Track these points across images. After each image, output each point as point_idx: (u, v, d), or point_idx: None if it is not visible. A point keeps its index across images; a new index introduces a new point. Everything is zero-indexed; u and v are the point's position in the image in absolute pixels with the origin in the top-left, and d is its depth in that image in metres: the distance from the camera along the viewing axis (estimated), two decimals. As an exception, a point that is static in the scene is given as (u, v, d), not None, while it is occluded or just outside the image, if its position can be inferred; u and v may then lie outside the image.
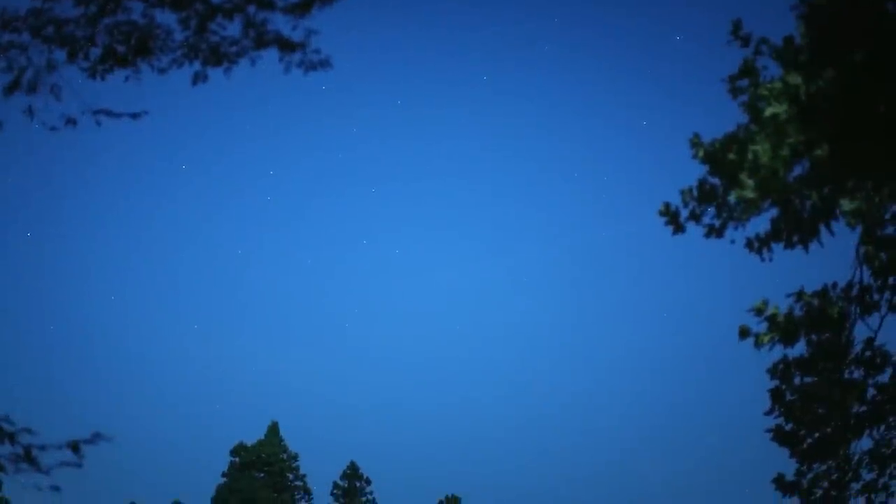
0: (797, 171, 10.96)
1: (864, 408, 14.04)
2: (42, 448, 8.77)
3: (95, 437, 8.85)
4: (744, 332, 12.54)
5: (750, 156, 10.46)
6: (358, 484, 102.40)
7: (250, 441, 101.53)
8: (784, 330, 12.58)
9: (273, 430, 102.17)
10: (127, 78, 10.02)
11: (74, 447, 8.80)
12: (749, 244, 12.02)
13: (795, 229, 11.76)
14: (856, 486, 14.75)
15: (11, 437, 8.76)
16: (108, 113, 9.83)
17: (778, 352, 13.14)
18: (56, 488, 8.98)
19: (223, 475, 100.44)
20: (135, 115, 9.97)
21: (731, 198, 11.01)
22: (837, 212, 11.40)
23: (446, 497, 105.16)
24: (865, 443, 14.47)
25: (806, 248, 12.10)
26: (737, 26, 10.71)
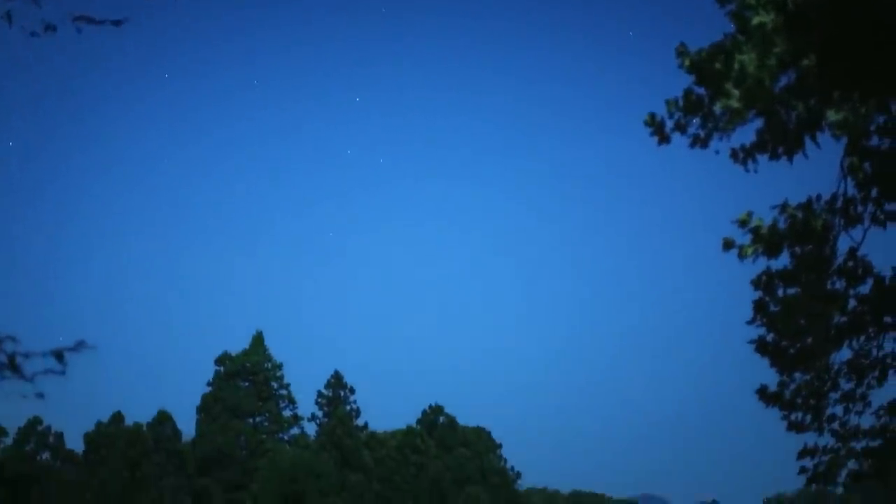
0: (783, 81, 10.89)
1: (844, 319, 14.10)
2: (26, 356, 8.73)
3: (79, 346, 8.82)
4: (728, 244, 12.57)
5: (736, 65, 10.38)
6: (342, 393, 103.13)
7: (235, 351, 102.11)
8: (768, 242, 12.61)
9: (258, 339, 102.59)
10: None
11: (58, 356, 8.76)
12: (734, 155, 11.99)
13: (781, 140, 11.72)
14: (834, 395, 14.86)
15: (-5, 345, 8.73)
16: (89, 20, 9.66)
17: (762, 263, 13.19)
18: (40, 395, 8.96)
19: (208, 384, 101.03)
20: (116, 23, 9.81)
21: (717, 108, 10.96)
22: (823, 123, 11.35)
23: (430, 406, 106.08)
24: (845, 353, 14.56)
25: (791, 159, 12.07)
26: (725, -67, 10.56)
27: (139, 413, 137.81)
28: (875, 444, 15.09)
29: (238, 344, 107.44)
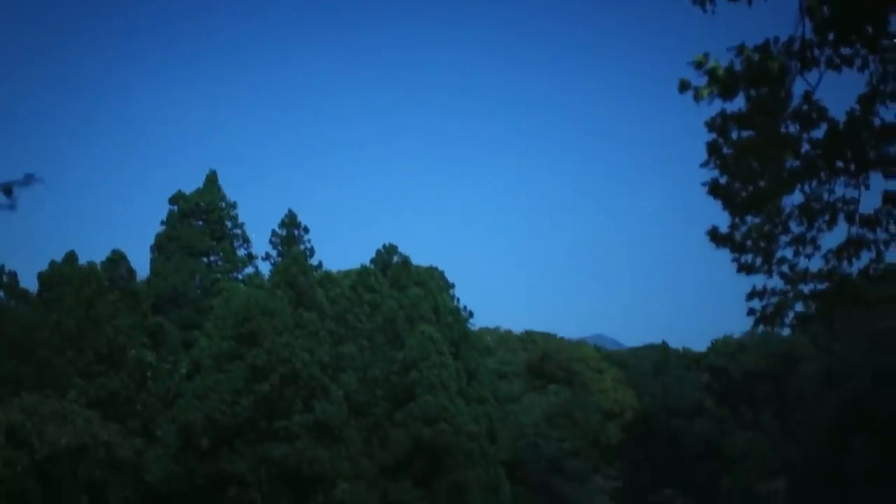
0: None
1: (797, 162, 14.16)
2: (-28, 191, 8.55)
3: (28, 179, 8.65)
4: (684, 86, 12.52)
5: None
6: (296, 232, 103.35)
7: (189, 190, 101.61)
8: (724, 83, 12.57)
9: (211, 178, 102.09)
10: None
11: (7, 190, 8.60)
12: (693, -5, 11.86)
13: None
14: (785, 238, 15.02)
15: (-59, 181, 8.57)
16: None
17: (717, 105, 13.17)
18: (-10, 233, 8.82)
19: (162, 223, 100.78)
20: None
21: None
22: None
23: (384, 246, 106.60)
24: (796, 197, 14.66)
25: (749, 0, 11.96)
26: None
27: (93, 253, 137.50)
28: (822, 287, 15.33)
29: (191, 183, 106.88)
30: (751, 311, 15.66)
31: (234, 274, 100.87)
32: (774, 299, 15.50)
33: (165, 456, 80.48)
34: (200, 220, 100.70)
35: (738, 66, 12.69)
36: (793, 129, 13.77)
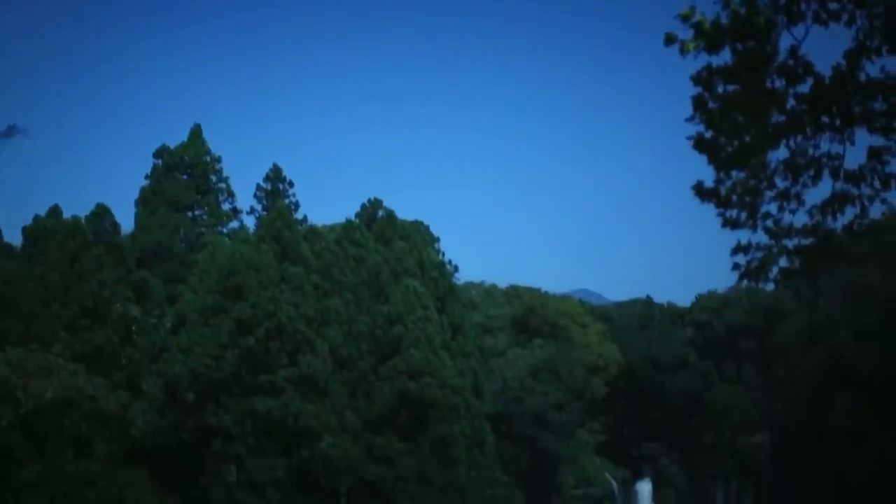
0: None
1: (783, 117, 14.13)
2: (-47, 144, 8.45)
3: (11, 131, 8.54)
4: (670, 39, 12.46)
5: None
6: (281, 186, 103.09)
7: (173, 144, 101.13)
8: (710, 37, 12.51)
9: (196, 133, 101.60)
10: None
11: (-12, 143, 8.49)
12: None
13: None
14: (770, 193, 15.01)
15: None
16: None
17: (703, 59, 13.11)
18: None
19: (147, 178, 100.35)
20: None
21: None
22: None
23: (369, 200, 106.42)
24: (781, 152, 14.64)
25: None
26: None
27: (77, 207, 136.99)
28: (806, 242, 15.34)
29: (176, 137, 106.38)
30: (735, 266, 15.67)
31: (219, 228, 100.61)
32: (759, 254, 15.51)
33: (151, 410, 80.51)
34: (185, 174, 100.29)
35: (724, 20, 12.63)
36: (778, 83, 13.73)
